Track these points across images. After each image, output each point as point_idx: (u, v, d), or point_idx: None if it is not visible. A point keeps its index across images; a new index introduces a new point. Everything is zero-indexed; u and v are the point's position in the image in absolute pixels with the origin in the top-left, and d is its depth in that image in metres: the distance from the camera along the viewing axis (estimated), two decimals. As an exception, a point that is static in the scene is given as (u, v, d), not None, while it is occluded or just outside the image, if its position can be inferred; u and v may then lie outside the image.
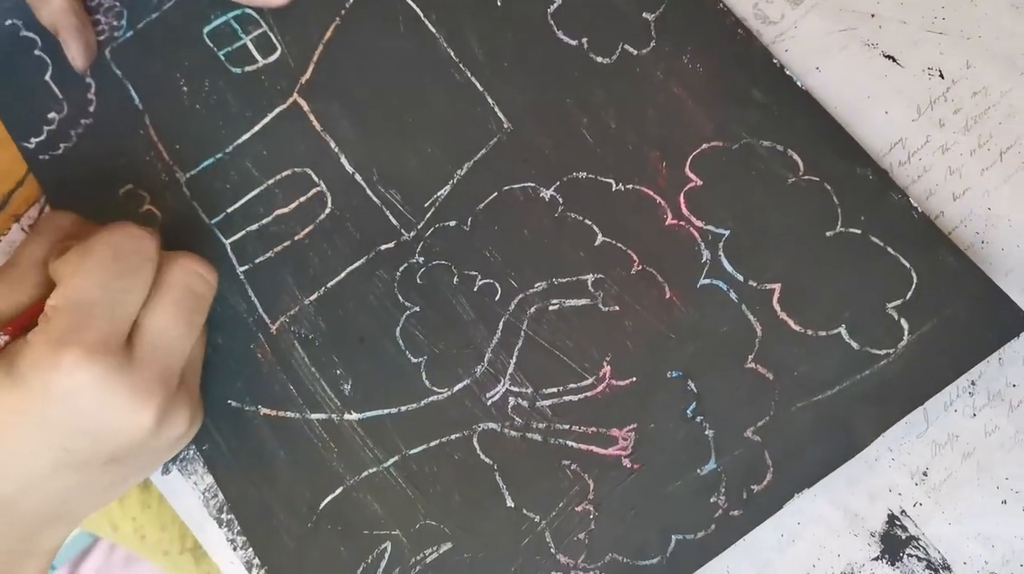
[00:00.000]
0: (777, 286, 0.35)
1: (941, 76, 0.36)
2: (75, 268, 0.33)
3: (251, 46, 0.43)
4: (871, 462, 0.34)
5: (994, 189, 0.35)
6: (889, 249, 0.34)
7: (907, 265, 0.34)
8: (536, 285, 0.37)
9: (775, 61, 0.37)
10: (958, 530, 0.33)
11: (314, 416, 0.38)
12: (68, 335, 0.31)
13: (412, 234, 0.39)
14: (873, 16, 0.38)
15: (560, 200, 0.38)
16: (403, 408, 0.37)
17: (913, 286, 0.34)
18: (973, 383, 0.34)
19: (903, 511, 0.34)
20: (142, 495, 0.43)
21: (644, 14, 0.39)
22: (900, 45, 0.37)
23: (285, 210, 0.41)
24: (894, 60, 0.37)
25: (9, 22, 0.46)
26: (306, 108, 0.41)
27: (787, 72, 0.37)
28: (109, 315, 0.32)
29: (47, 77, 0.45)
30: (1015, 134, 0.35)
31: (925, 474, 0.34)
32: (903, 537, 0.33)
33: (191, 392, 0.37)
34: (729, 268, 0.36)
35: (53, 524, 0.35)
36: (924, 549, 0.33)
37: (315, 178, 0.41)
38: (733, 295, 0.35)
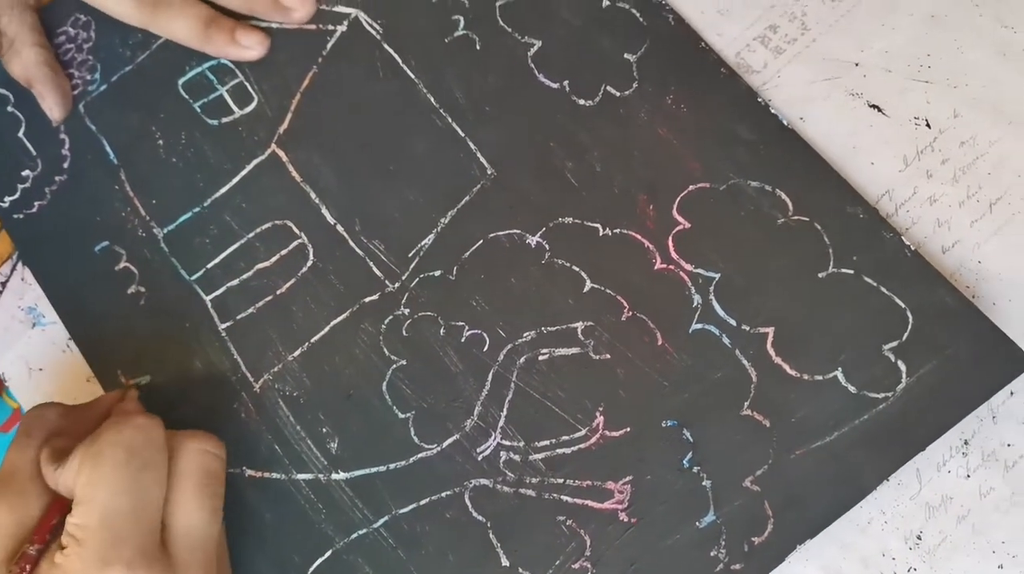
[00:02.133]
0: (771, 330, 0.34)
1: (928, 126, 0.36)
2: (90, 479, 0.31)
3: (227, 97, 0.42)
4: (863, 525, 0.33)
5: (984, 241, 0.34)
6: (883, 289, 0.34)
7: (902, 305, 0.33)
8: (525, 334, 0.36)
9: (760, 100, 0.37)
10: None
11: (301, 477, 0.37)
12: (105, 557, 0.30)
13: (397, 285, 0.38)
14: (857, 65, 0.37)
15: (547, 246, 0.37)
16: (392, 466, 0.36)
17: (909, 327, 0.33)
18: (967, 442, 0.33)
19: None
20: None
21: (626, 55, 0.38)
22: (885, 94, 0.37)
23: (266, 263, 0.40)
24: (879, 110, 0.36)
25: (-20, 79, 0.45)
26: (285, 158, 0.41)
27: (772, 111, 0.36)
28: (138, 524, 0.31)
29: (20, 134, 0.44)
30: (1004, 184, 0.35)
31: (919, 538, 0.33)
32: (899, 602, 0.33)
33: (224, 567, 0.36)
34: (721, 312, 0.35)
35: None
36: (922, 611, 0.32)
37: (296, 230, 0.40)
38: (726, 340, 0.35)
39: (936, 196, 0.35)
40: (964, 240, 0.34)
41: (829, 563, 0.33)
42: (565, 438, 0.35)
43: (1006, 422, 0.33)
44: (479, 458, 0.36)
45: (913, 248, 0.34)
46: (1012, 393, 0.33)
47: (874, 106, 0.37)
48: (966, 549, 0.32)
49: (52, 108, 0.43)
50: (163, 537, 0.32)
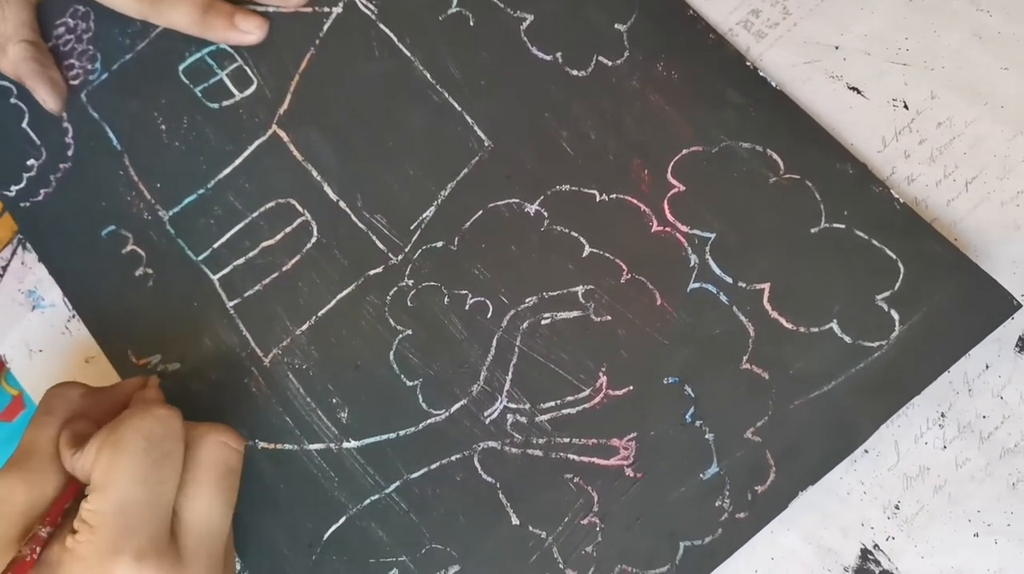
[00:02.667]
0: (766, 286, 0.35)
1: (906, 107, 0.37)
2: (108, 466, 0.31)
3: (227, 80, 0.43)
4: (843, 496, 0.34)
5: (960, 220, 0.35)
6: (874, 241, 0.34)
7: (893, 256, 0.34)
8: (527, 300, 0.37)
9: (748, 63, 0.37)
10: (931, 564, 0.33)
11: (312, 447, 0.38)
12: (116, 545, 0.30)
13: (400, 257, 0.39)
14: (837, 48, 0.38)
15: (545, 214, 0.38)
16: (402, 432, 0.37)
17: (901, 277, 0.34)
18: (943, 415, 0.34)
19: (876, 545, 0.34)
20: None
21: (616, 25, 0.39)
22: (865, 77, 0.37)
23: (271, 242, 0.40)
24: (859, 92, 0.37)
25: (-18, 72, 0.46)
26: (286, 139, 0.41)
27: (761, 74, 0.37)
28: (152, 514, 0.32)
29: (24, 124, 0.45)
30: (980, 164, 0.36)
31: (897, 508, 0.34)
32: (876, 571, 0.33)
33: (230, 565, 0.36)
34: (717, 271, 0.36)
35: None
36: (899, 582, 0.33)
37: (299, 208, 0.40)
38: (723, 298, 0.35)
39: (914, 176, 0.36)
40: (941, 218, 0.35)
41: (810, 532, 0.34)
42: (570, 399, 0.36)
43: (981, 395, 0.34)
44: (486, 421, 0.36)
45: (902, 201, 0.35)
46: (987, 366, 0.34)
47: (854, 88, 0.37)
48: (943, 518, 0.33)
49: (46, 100, 0.44)
50: (174, 527, 0.33)
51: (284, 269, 0.40)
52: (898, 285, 0.34)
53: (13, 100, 0.45)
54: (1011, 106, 0.36)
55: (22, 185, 0.44)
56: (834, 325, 0.34)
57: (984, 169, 0.36)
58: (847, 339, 0.34)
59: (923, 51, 0.37)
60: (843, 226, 0.35)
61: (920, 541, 0.33)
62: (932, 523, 0.33)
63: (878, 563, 0.33)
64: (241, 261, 0.41)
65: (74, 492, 0.33)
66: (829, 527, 0.34)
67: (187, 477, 0.33)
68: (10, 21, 0.43)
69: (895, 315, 0.34)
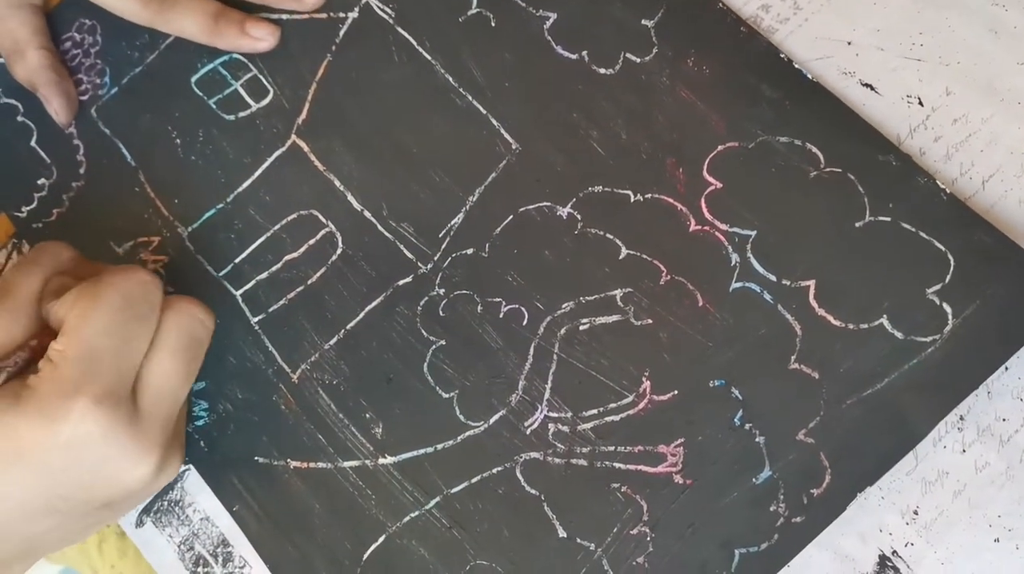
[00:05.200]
0: (811, 283, 0.34)
1: (920, 103, 0.36)
2: (83, 313, 0.32)
3: (242, 91, 0.42)
4: (860, 501, 0.32)
5: None
6: (922, 234, 0.34)
7: (942, 248, 0.33)
8: (563, 306, 0.36)
9: (782, 55, 0.37)
10: (950, 570, 0.32)
11: (347, 464, 0.37)
12: (77, 385, 0.30)
13: (429, 266, 0.38)
14: (850, 44, 0.37)
15: (578, 217, 0.37)
16: (439, 446, 0.36)
17: (951, 269, 0.33)
18: (962, 418, 0.33)
19: (894, 551, 0.33)
20: (120, 543, 0.41)
21: (643, 21, 0.38)
22: (878, 73, 0.37)
23: (295, 255, 0.39)
24: (872, 88, 0.36)
25: (-13, 90, 0.44)
26: (306, 149, 0.40)
27: (796, 65, 0.36)
28: (117, 365, 0.32)
29: (32, 143, 0.44)
30: (996, 162, 0.35)
31: (916, 513, 0.33)
32: (894, 579, 0.33)
33: (180, 436, 0.36)
34: (760, 269, 0.35)
35: (20, 561, 0.34)
36: (915, 591, 0.32)
37: (323, 219, 0.39)
38: (767, 296, 0.34)
39: (930, 173, 0.35)
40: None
41: (826, 539, 0.33)
42: (613, 406, 0.35)
43: (1001, 397, 0.33)
44: (527, 432, 0.35)
45: (948, 191, 0.34)
46: (1007, 368, 0.33)
47: (867, 85, 0.37)
48: (962, 523, 0.32)
49: (57, 112, 0.43)
50: (134, 386, 0.33)
51: (309, 282, 0.39)
52: (949, 278, 0.33)
53: (20, 118, 0.44)
54: (1026, 102, 0.35)
55: (33, 205, 0.43)
56: (884, 321, 0.33)
57: (1001, 166, 0.35)
58: (898, 335, 0.33)
59: (937, 46, 0.37)
60: (889, 219, 0.34)
61: (939, 547, 0.32)
62: (951, 529, 0.32)
63: (897, 570, 0.33)
64: (264, 276, 0.39)
65: (43, 340, 0.33)
66: (847, 533, 0.33)
67: (154, 341, 0.33)
68: (26, 26, 0.42)
69: (947, 309, 0.33)
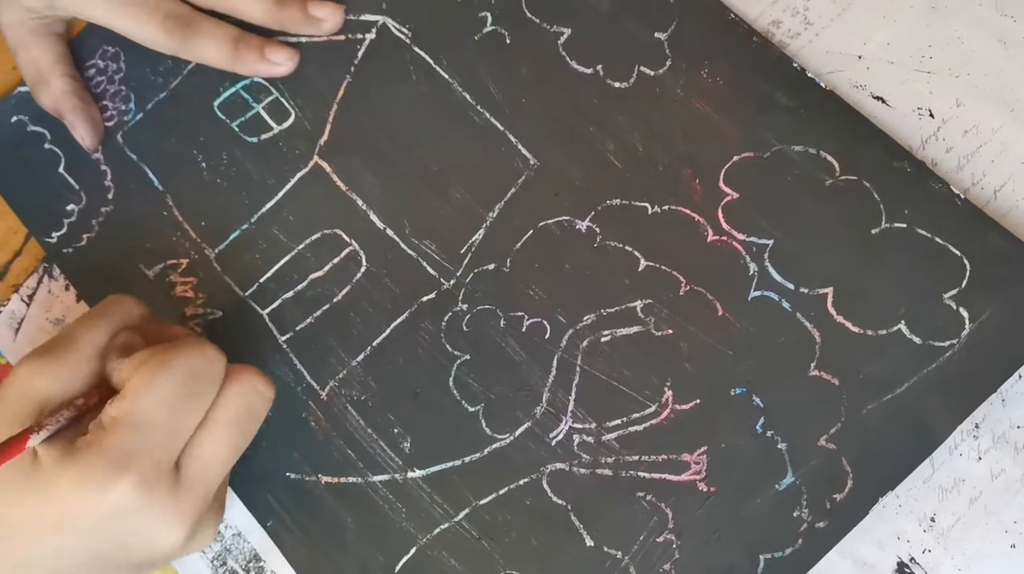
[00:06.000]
0: (829, 290, 0.35)
1: (931, 115, 0.36)
2: (146, 381, 0.31)
3: (264, 114, 0.43)
4: (878, 509, 0.33)
5: None
6: (937, 239, 0.34)
7: (958, 253, 0.34)
8: (585, 318, 0.37)
9: (795, 65, 0.37)
10: None
11: (377, 478, 0.37)
12: (126, 458, 0.30)
13: (452, 282, 0.39)
14: (860, 58, 0.38)
15: (597, 230, 0.38)
16: (467, 459, 0.37)
17: (967, 273, 0.33)
18: (977, 426, 0.33)
19: (912, 558, 0.33)
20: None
21: (656, 34, 0.39)
22: (889, 86, 0.37)
23: (320, 273, 0.40)
24: (883, 101, 0.37)
25: (15, 118, 0.46)
26: (328, 169, 0.41)
27: (809, 74, 0.37)
28: (169, 439, 0.32)
29: (61, 169, 0.45)
30: (1008, 172, 0.35)
31: (933, 520, 0.33)
32: (912, 586, 0.33)
33: (221, 498, 0.36)
34: (778, 278, 0.35)
35: None
36: (933, 597, 0.33)
37: (346, 238, 0.40)
38: (786, 304, 0.35)
39: (944, 180, 0.35)
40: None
41: (845, 546, 0.33)
42: (636, 415, 0.36)
43: (1016, 405, 0.33)
44: (552, 443, 0.36)
45: (963, 197, 0.34)
46: (1020, 376, 0.33)
47: (878, 98, 0.37)
48: (979, 530, 0.33)
49: (84, 137, 0.44)
50: (182, 453, 0.32)
51: (335, 300, 0.40)
52: (965, 282, 0.33)
53: (47, 145, 0.45)
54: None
55: (63, 231, 0.44)
56: (902, 326, 0.34)
57: (1013, 176, 0.35)
58: (916, 340, 0.33)
59: (947, 58, 0.37)
60: (904, 225, 0.35)
61: (957, 553, 0.33)
62: (968, 535, 0.33)
63: (913, 576, 0.33)
64: (290, 294, 0.40)
65: (101, 397, 0.33)
66: (865, 541, 0.34)
67: (210, 412, 0.33)
68: (49, 53, 0.43)
69: (964, 313, 0.33)
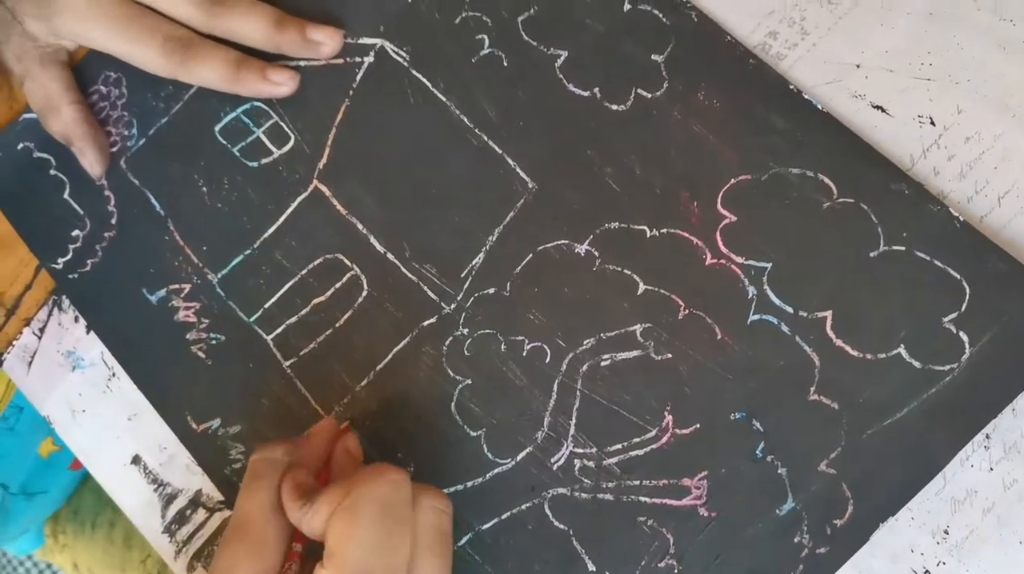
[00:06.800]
0: (828, 313, 0.35)
1: (932, 123, 0.36)
2: (344, 532, 0.31)
3: (264, 138, 0.43)
4: (891, 523, 0.33)
5: (995, 235, 0.34)
6: (936, 262, 0.34)
7: (957, 276, 0.34)
8: (585, 342, 0.37)
9: (791, 86, 0.37)
10: None
11: (381, 503, 0.38)
12: None
13: (453, 306, 0.39)
14: (859, 67, 0.37)
15: (596, 254, 0.38)
16: (469, 484, 0.37)
17: (967, 297, 0.33)
18: (988, 437, 0.33)
19: (927, 571, 0.33)
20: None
21: (653, 56, 0.39)
22: (888, 94, 0.37)
23: (322, 298, 0.40)
24: (883, 110, 0.37)
25: (22, 145, 0.46)
26: (328, 193, 0.41)
27: (805, 96, 0.37)
28: None
29: (66, 195, 0.45)
30: (1012, 178, 0.35)
31: (946, 532, 0.33)
32: (926, 599, 0.33)
33: None
34: (777, 301, 0.35)
35: None
36: (952, 607, 0.33)
37: (348, 262, 0.40)
38: (785, 328, 0.35)
39: (945, 193, 0.35)
40: (975, 236, 0.34)
41: (859, 560, 0.33)
42: (636, 440, 0.36)
43: None
44: (554, 468, 0.36)
45: (962, 219, 0.34)
46: None
47: (878, 107, 0.37)
48: (993, 541, 0.33)
49: (92, 164, 0.44)
50: None
51: (338, 325, 0.40)
52: (965, 306, 0.33)
53: (53, 172, 0.46)
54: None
55: (68, 257, 0.44)
56: (902, 350, 0.34)
57: (1016, 182, 0.35)
58: (916, 364, 0.33)
59: (946, 65, 0.37)
60: (903, 248, 0.34)
61: (971, 565, 0.33)
62: (982, 546, 0.33)
63: (928, 589, 0.33)
64: (294, 320, 0.41)
65: (298, 554, 0.33)
66: (878, 555, 0.34)
67: (412, 542, 0.32)
68: (57, 82, 0.44)
69: (964, 337, 0.33)
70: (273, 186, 0.42)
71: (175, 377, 0.42)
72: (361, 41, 0.43)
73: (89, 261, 0.44)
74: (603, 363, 0.37)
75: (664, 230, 0.37)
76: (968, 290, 0.33)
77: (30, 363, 0.44)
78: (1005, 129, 0.35)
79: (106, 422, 0.44)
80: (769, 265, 0.36)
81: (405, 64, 0.42)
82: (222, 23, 0.42)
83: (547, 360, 0.37)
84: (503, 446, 0.37)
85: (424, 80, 0.41)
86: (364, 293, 0.40)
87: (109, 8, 0.42)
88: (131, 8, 0.42)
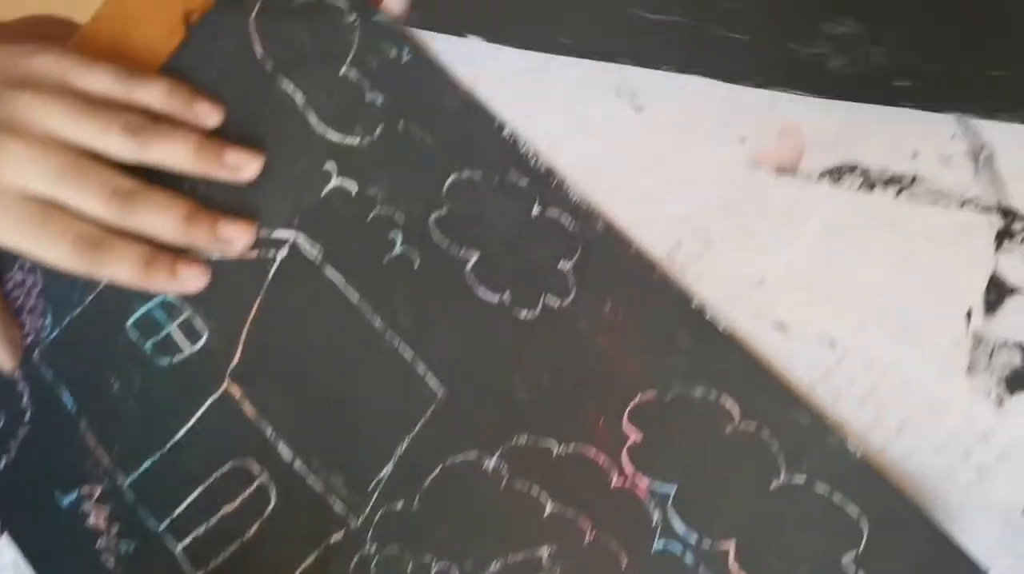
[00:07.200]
0: (731, 543, 0.35)
1: (833, 345, 0.36)
2: None
3: (176, 334, 0.43)
4: None
5: (893, 466, 0.34)
6: (834, 499, 0.34)
7: (854, 515, 0.33)
8: (491, 565, 0.37)
9: (694, 305, 0.37)
10: None
11: None
12: None
13: (360, 520, 0.38)
14: (761, 283, 0.37)
15: (504, 470, 0.37)
16: None
17: (865, 536, 0.33)
18: None
19: None
20: None
21: (561, 262, 0.39)
22: (789, 312, 0.36)
23: (231, 507, 0.40)
24: (784, 329, 0.36)
25: (-66, 333, 0.45)
26: (238, 395, 0.41)
27: (707, 316, 0.37)
28: None
29: (-21, 387, 0.44)
30: (909, 407, 0.35)
31: None
32: None
33: None
34: (681, 529, 0.35)
35: None
36: None
37: (256, 470, 0.40)
38: (688, 559, 0.35)
39: (846, 419, 0.35)
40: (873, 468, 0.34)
41: None
42: (542, 671, 0.35)
43: None
44: None
45: (859, 453, 0.34)
46: None
47: (780, 324, 0.36)
48: None
49: (4, 360, 0.44)
50: None
51: (245, 539, 0.39)
52: (863, 545, 0.33)
53: (-34, 360, 0.45)
54: (938, 343, 0.35)
55: (-18, 451, 0.44)
56: (802, 587, 0.33)
57: (912, 414, 0.35)
58: (817, 603, 0.33)
59: (848, 284, 0.37)
60: (803, 480, 0.34)
61: None
62: None
63: None
64: (202, 530, 0.40)
65: None
66: None
67: None
68: None
69: (863, 577, 0.33)
70: (184, 385, 0.42)
71: (85, 587, 0.41)
72: (275, 235, 0.42)
73: (3, 457, 0.43)
74: (510, 587, 0.36)
75: (572, 446, 0.37)
76: (865, 531, 0.33)
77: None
78: (903, 353, 0.35)
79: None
80: (674, 488, 0.36)
81: (316, 263, 0.42)
82: (134, 219, 0.42)
83: (454, 582, 0.37)
84: (409, 672, 0.36)
85: (336, 279, 0.41)
86: (271, 505, 0.39)
87: (17, 211, 0.41)
88: (41, 209, 0.42)
